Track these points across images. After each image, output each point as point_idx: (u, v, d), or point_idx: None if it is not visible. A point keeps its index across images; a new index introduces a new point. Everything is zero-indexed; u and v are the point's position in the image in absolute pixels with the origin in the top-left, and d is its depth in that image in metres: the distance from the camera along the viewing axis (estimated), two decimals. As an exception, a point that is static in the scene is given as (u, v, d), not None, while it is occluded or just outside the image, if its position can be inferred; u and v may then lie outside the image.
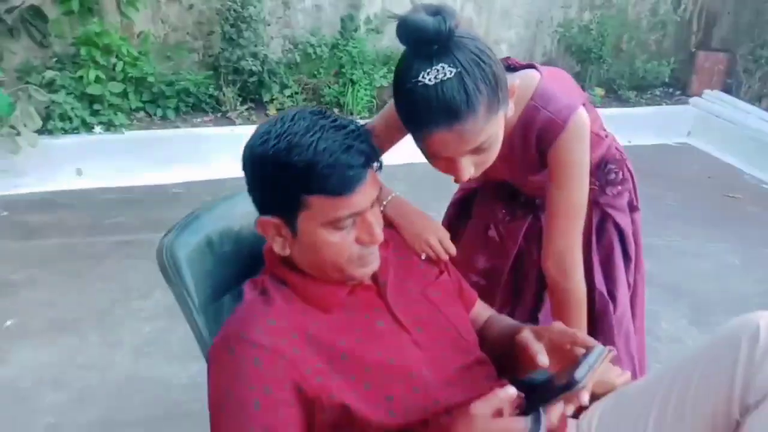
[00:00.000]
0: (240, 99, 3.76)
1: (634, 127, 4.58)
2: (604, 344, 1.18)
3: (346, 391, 0.90)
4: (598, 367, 0.81)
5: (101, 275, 2.45)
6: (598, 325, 1.34)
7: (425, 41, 0.93)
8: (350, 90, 3.89)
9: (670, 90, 5.10)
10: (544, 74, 1.14)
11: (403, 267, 1.11)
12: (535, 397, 0.82)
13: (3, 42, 3.34)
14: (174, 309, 1.93)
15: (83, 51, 3.33)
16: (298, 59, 3.94)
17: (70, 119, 3.28)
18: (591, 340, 0.91)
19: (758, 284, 2.75)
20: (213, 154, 3.34)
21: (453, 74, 0.91)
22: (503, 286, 1.41)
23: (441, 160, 1.01)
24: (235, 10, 3.63)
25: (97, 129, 3.39)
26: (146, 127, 3.53)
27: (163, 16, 3.77)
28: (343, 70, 3.93)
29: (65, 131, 3.29)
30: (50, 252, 2.59)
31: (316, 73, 3.98)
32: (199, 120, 3.70)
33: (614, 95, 4.85)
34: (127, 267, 2.51)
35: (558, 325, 0.99)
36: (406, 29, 0.94)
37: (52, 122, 3.24)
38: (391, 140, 1.23)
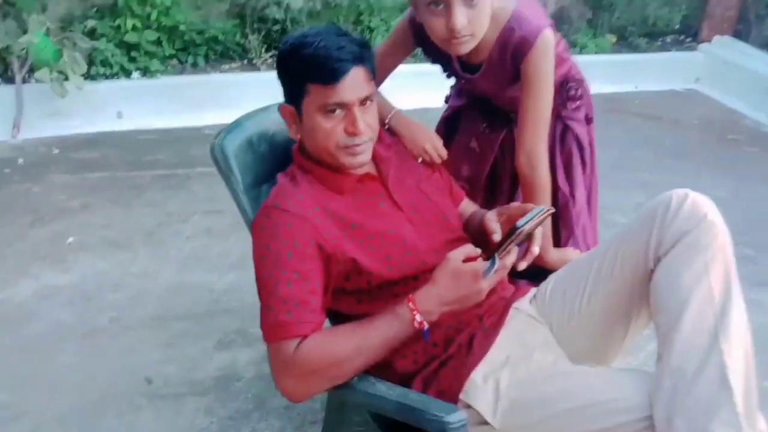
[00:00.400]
0: (265, 46, 4.01)
1: (642, 74, 4.74)
2: (567, 236, 1.47)
3: (355, 250, 1.19)
4: (537, 218, 1.08)
5: (145, 202, 2.77)
6: (561, 218, 1.61)
7: None
8: (368, 36, 4.11)
9: (681, 37, 5.20)
10: (519, 1, 1.38)
11: (403, 166, 1.38)
12: (494, 248, 1.10)
13: (48, -6, 3.60)
14: (211, 230, 2.28)
15: (120, 1, 3.60)
16: (319, 7, 4.14)
17: (110, 65, 3.57)
18: (537, 206, 1.17)
19: (738, 213, 2.95)
20: (240, 99, 3.55)
21: None
22: (482, 190, 1.68)
23: (439, 13, 1.25)
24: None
25: (135, 75, 3.67)
26: (179, 73, 3.80)
27: (193, -31, 3.99)
28: (362, 17, 4.14)
29: (106, 77, 3.58)
30: (98, 184, 2.91)
31: (336, 21, 4.18)
32: (227, 67, 3.96)
33: (625, 42, 4.98)
34: (167, 196, 2.83)
35: (515, 204, 1.26)
36: None
37: (94, 68, 3.52)
38: (395, 56, 1.50)
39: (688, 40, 5.15)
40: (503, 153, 1.66)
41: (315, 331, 1.12)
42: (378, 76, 1.27)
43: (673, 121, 4.14)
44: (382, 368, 1.18)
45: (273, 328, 1.12)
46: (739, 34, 4.95)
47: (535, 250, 1.14)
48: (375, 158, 1.30)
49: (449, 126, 1.74)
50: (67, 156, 3.16)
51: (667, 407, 0.96)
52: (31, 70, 3.37)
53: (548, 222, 1.48)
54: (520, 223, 1.06)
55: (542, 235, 1.20)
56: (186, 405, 1.74)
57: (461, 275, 1.09)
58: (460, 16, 1.24)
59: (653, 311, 1.11)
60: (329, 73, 1.15)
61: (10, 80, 3.44)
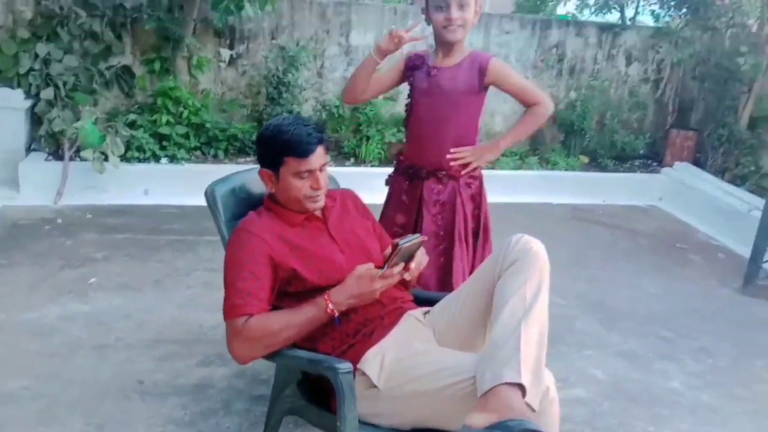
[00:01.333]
0: (276, 145, 4.71)
1: (609, 190, 5.34)
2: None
3: (296, 263, 1.70)
4: (413, 241, 1.59)
5: (157, 259, 3.32)
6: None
7: None
8: (365, 143, 4.80)
9: (648, 161, 5.86)
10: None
11: (345, 215, 1.92)
12: (385, 261, 1.61)
13: (100, 91, 4.39)
14: (208, 283, 2.82)
15: (159, 101, 4.37)
16: (325, 117, 4.90)
17: (143, 151, 4.27)
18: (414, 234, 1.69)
19: (665, 305, 3.41)
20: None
21: None
22: (412, 232, 2.21)
23: (441, 10, 2.07)
24: (278, 77, 4.64)
25: (163, 160, 4.36)
26: (201, 162, 4.49)
27: (222, 78, 4.81)
28: (361, 127, 4.86)
29: (139, 160, 4.27)
30: (121, 242, 3.48)
31: (338, 129, 4.92)
32: (242, 160, 4.64)
33: (596, 163, 5.63)
34: (176, 256, 3.38)
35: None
36: None
37: (130, 152, 4.22)
38: (390, 77, 2.30)
39: (654, 164, 5.80)
40: (423, 204, 2.22)
41: (259, 313, 1.61)
42: (371, 86, 2.18)
43: (630, 230, 4.66)
44: (309, 348, 1.66)
45: (230, 309, 1.62)
46: (698, 161, 5.59)
47: (411, 265, 1.65)
48: (322, 208, 1.85)
49: (391, 187, 2.35)
50: (98, 220, 3.77)
51: (482, 365, 1.43)
52: (78, 151, 4.06)
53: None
54: (400, 242, 1.58)
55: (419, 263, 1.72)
56: (168, 401, 2.18)
57: (361, 278, 1.60)
58: (455, 11, 2.08)
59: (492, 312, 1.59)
60: (302, 151, 1.72)
61: (60, 157, 4.14)
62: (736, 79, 5.25)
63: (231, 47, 4.76)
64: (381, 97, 4.98)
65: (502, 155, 5.30)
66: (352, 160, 4.86)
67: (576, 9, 6.85)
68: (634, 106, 5.81)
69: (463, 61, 2.20)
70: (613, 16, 6.40)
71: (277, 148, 1.73)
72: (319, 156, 1.74)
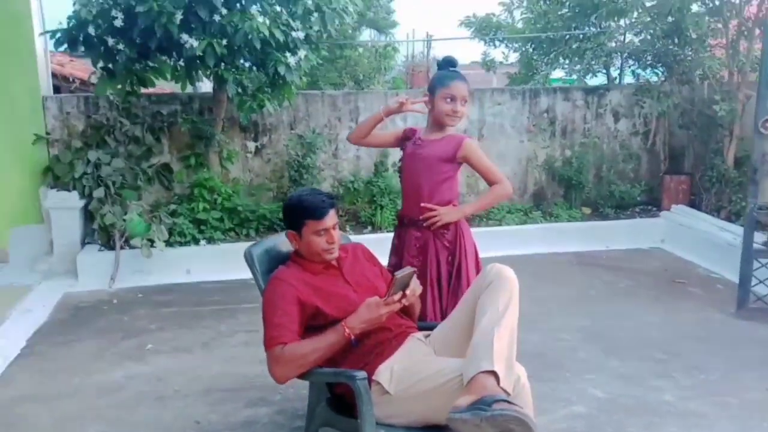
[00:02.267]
0: (300, 221, 5.23)
1: (612, 237, 5.71)
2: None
3: (318, 302, 2.14)
4: (406, 272, 2.03)
5: (203, 326, 3.77)
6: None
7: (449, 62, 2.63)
8: (379, 212, 5.30)
9: (648, 207, 6.24)
10: None
11: (357, 263, 2.37)
12: (387, 292, 2.05)
13: (144, 187, 5.00)
14: (248, 342, 3.29)
15: (195, 191, 4.96)
16: (342, 192, 5.43)
17: (184, 235, 4.82)
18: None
19: (662, 332, 3.73)
20: (279, 258, 4.74)
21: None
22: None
23: (449, 103, 2.56)
24: (298, 161, 5.23)
25: (202, 242, 4.89)
26: (235, 242, 5.00)
27: (249, 167, 5.41)
28: (375, 198, 5.38)
29: (180, 244, 4.81)
30: (170, 315, 3.96)
31: (355, 201, 5.44)
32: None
33: (597, 213, 6.04)
34: (219, 322, 3.83)
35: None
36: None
37: (173, 237, 4.77)
38: (386, 136, 2.81)
39: (653, 209, 6.18)
40: (404, 248, 2.68)
41: (292, 342, 2.04)
42: (373, 136, 2.75)
43: (632, 270, 5.00)
44: (335, 367, 2.08)
45: (268, 340, 2.05)
46: (693, 203, 5.96)
47: (407, 291, 2.07)
48: (337, 258, 2.31)
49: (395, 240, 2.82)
50: (148, 298, 4.27)
51: (465, 363, 1.83)
52: (127, 240, 4.62)
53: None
54: (396, 273, 2.02)
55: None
56: (221, 435, 2.58)
57: (369, 306, 2.03)
58: (460, 106, 2.59)
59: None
60: (319, 215, 2.20)
61: (111, 247, 4.70)
62: (717, 124, 5.69)
63: (255, 139, 5.39)
64: (391, 169, 5.57)
65: (507, 212, 5.78)
66: (369, 228, 5.35)
67: (566, 74, 7.49)
68: (627, 158, 6.25)
69: (444, 138, 2.69)
70: (599, 79, 7.00)
71: (298, 213, 2.22)
72: (331, 217, 2.21)
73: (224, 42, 4.00)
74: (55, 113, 5.00)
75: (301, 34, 4.21)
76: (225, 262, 4.73)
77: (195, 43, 3.91)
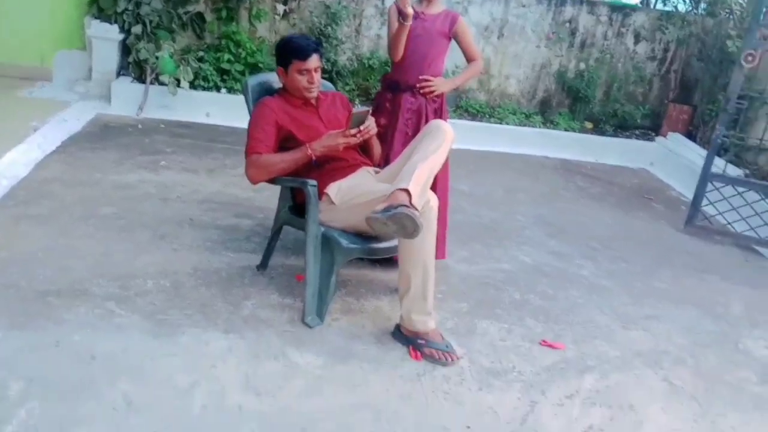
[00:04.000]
0: (315, 87, 5.66)
1: (604, 152, 6.05)
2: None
3: (292, 128, 2.64)
4: (362, 110, 2.50)
5: (212, 157, 4.33)
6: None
7: None
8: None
9: (647, 131, 6.51)
10: None
11: (332, 106, 2.83)
12: (346, 125, 2.53)
13: (178, 31, 5.43)
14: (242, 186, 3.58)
15: (223, 42, 5.38)
16: (358, 67, 5.81)
17: (208, 81, 5.30)
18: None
19: (609, 231, 4.20)
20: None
21: None
22: (393, 131, 3.08)
23: None
24: (320, 29, 5.57)
25: (223, 90, 5.38)
26: (252, 95, 5.48)
27: (276, 28, 5.77)
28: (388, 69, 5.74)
29: (204, 88, 5.30)
30: (185, 144, 4.52)
31: (368, 78, 5.82)
32: (286, 97, 5.61)
33: (598, 129, 6.34)
34: (225, 156, 4.38)
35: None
36: None
37: (197, 81, 5.25)
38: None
39: (652, 134, 6.45)
40: (399, 110, 3.09)
41: (266, 152, 2.56)
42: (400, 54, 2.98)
43: (609, 182, 5.41)
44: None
45: (248, 149, 2.57)
46: (690, 133, 6.22)
47: (362, 127, 2.53)
48: (317, 98, 2.77)
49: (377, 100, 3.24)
50: (169, 129, 4.83)
51: (392, 185, 2.32)
52: (157, 76, 5.12)
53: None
54: (353, 111, 2.48)
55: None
56: (208, 231, 3.18)
57: (330, 135, 2.52)
58: None
59: None
60: (303, 56, 2.64)
61: (142, 81, 5.21)
62: (730, 59, 5.83)
63: (285, 3, 5.71)
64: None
65: (510, 113, 6.13)
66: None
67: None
68: (638, 80, 6.46)
69: (441, 14, 3.07)
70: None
71: (287, 52, 2.66)
72: (314, 60, 2.65)
73: None
74: (105, -52, 5.36)
75: None
76: (241, 111, 5.14)
77: None
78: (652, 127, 6.55)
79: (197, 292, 2.61)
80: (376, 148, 2.85)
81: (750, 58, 3.98)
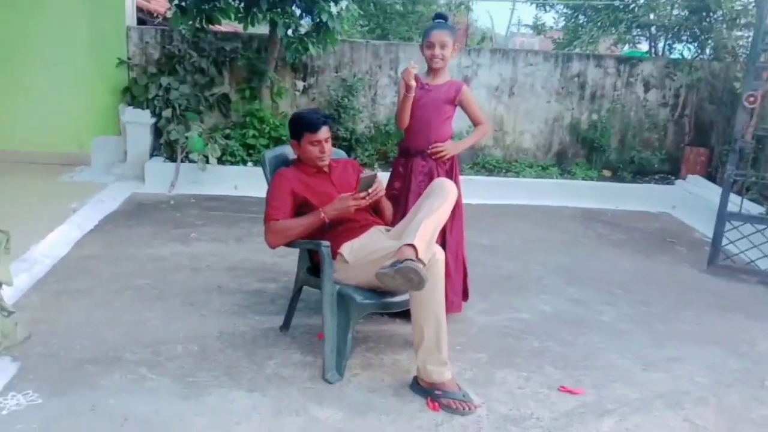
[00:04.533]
0: (335, 154, 5.92)
1: (624, 199, 6.12)
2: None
3: (307, 196, 2.82)
4: (369, 174, 2.67)
5: (239, 227, 4.55)
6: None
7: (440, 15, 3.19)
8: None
9: (667, 176, 6.57)
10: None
11: (344, 173, 3.02)
12: (355, 190, 2.70)
13: (205, 112, 5.80)
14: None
15: (248, 119, 5.72)
16: (375, 134, 6.07)
17: (235, 156, 5.61)
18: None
19: (629, 276, 4.23)
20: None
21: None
22: (405, 195, 3.23)
23: (430, 49, 3.09)
24: (338, 101, 5.88)
25: (249, 164, 5.67)
26: (276, 166, 5.76)
27: (297, 103, 6.11)
28: (405, 141, 5.98)
29: (231, 163, 5.60)
30: (214, 216, 4.77)
31: (386, 143, 6.07)
32: (309, 166, 5.88)
33: (617, 177, 6.43)
34: (253, 225, 4.59)
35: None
36: None
37: (225, 157, 5.56)
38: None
39: (672, 178, 6.51)
40: (412, 174, 3.26)
41: (283, 219, 2.74)
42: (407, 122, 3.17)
43: (630, 228, 5.44)
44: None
45: (267, 216, 2.76)
46: (710, 175, 6.26)
47: (371, 191, 2.70)
48: (329, 165, 2.97)
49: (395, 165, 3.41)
50: (199, 203, 5.10)
51: (400, 242, 2.46)
52: (187, 155, 5.45)
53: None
54: (361, 175, 2.66)
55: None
56: (235, 295, 3.34)
57: (341, 198, 2.69)
58: (438, 50, 3.09)
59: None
60: (314, 128, 2.86)
61: (173, 160, 5.54)
62: (740, 101, 5.92)
63: (304, 79, 6.07)
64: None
65: (527, 166, 6.28)
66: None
67: (613, 44, 7.75)
68: (652, 127, 6.57)
69: (446, 84, 3.26)
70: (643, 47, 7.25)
71: (299, 126, 2.88)
72: (324, 131, 2.86)
73: (277, -11, 4.66)
74: (136, 42, 5.84)
75: (344, -13, 4.81)
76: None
77: (251, -12, 4.59)
78: (671, 171, 6.61)
79: (223, 354, 2.75)
80: (387, 209, 3.01)
81: (752, 99, 4.08)
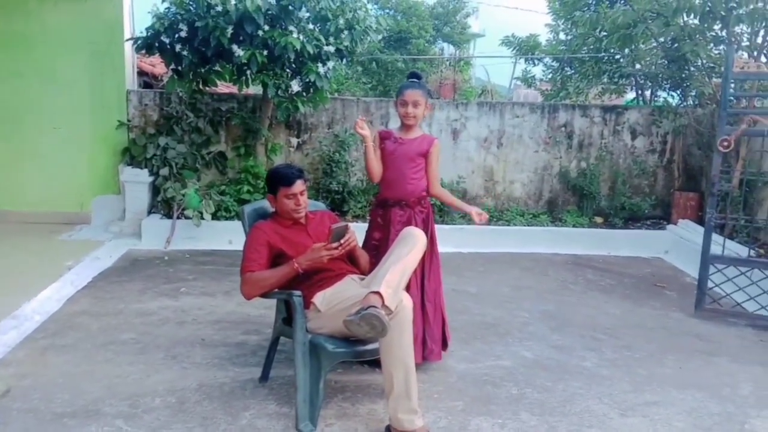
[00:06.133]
0: (330, 209, 6.04)
1: (616, 245, 6.17)
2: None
3: (283, 247, 2.92)
4: (341, 225, 2.76)
5: (230, 280, 4.64)
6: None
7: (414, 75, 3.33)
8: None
9: (658, 221, 6.62)
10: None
11: (321, 224, 3.13)
12: (328, 240, 2.80)
13: (202, 169, 5.98)
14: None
15: (243, 175, 5.88)
16: (366, 186, 6.20)
17: (229, 211, 5.74)
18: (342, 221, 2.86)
19: (616, 321, 4.25)
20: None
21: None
22: (385, 245, 3.32)
23: (402, 107, 3.24)
24: (330, 157, 6.05)
25: (243, 218, 5.80)
26: (270, 220, 5.89)
27: (291, 159, 6.29)
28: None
29: (226, 218, 5.73)
30: (207, 271, 4.86)
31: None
32: (302, 219, 6.00)
33: (608, 223, 6.49)
34: (243, 280, 4.68)
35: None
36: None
37: (220, 212, 5.70)
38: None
39: (664, 223, 6.56)
40: (391, 224, 3.35)
41: (258, 270, 2.82)
42: (376, 172, 3.30)
43: (620, 273, 5.47)
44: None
45: (243, 268, 2.84)
46: (701, 219, 6.29)
47: (342, 240, 2.79)
48: (305, 217, 3.07)
49: (373, 215, 3.51)
50: (193, 259, 5.20)
51: (367, 290, 2.53)
52: (183, 211, 5.59)
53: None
54: (333, 226, 2.76)
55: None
56: (218, 349, 3.40)
57: (314, 249, 2.78)
58: (411, 108, 3.23)
59: None
60: (289, 182, 2.98)
61: (170, 216, 5.68)
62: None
63: (298, 136, 6.26)
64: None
65: (518, 214, 6.36)
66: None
67: (599, 94, 7.95)
68: (640, 173, 6.67)
69: (419, 138, 3.39)
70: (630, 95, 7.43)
71: (275, 181, 3.01)
72: (298, 185, 2.98)
73: (265, 53, 4.88)
74: (136, 104, 6.09)
75: (331, 48, 5.03)
76: (260, 237, 5.61)
77: (242, 53, 4.81)
78: (662, 216, 6.67)
79: (200, 406, 2.79)
80: (363, 258, 3.09)
81: (725, 144, 4.17)
